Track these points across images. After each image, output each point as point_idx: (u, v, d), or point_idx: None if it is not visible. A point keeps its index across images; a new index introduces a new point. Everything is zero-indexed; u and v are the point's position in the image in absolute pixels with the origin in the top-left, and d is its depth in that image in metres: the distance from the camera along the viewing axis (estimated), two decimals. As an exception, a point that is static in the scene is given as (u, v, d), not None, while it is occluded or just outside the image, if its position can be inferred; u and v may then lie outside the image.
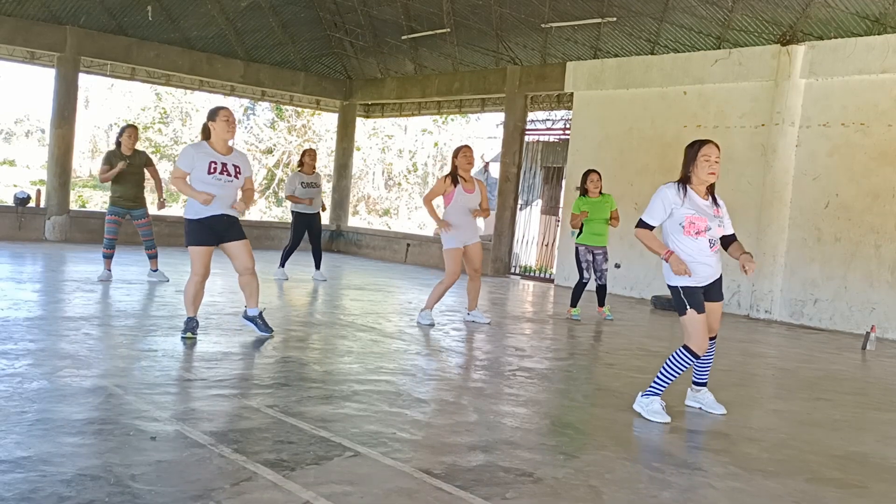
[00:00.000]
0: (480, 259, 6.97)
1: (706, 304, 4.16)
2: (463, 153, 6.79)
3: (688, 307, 4.09)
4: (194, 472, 2.80)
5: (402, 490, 2.80)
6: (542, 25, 11.68)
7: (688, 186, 4.15)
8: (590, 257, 8.01)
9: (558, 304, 9.46)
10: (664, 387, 4.15)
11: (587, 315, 8.28)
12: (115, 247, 8.06)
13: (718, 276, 4.21)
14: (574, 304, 8.12)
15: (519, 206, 13.35)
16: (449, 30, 12.91)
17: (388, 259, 14.46)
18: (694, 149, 4.16)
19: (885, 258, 8.68)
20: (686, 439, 3.85)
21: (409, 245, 14.49)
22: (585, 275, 8.02)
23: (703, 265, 4.12)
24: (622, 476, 3.20)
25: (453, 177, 6.77)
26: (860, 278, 8.85)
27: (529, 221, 14.98)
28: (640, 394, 4.23)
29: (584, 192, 8.02)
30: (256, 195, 24.93)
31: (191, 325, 5.30)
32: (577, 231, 8.02)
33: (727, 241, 4.30)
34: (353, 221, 19.25)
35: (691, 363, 4.13)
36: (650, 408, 4.12)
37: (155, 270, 8.24)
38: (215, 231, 5.28)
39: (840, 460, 3.70)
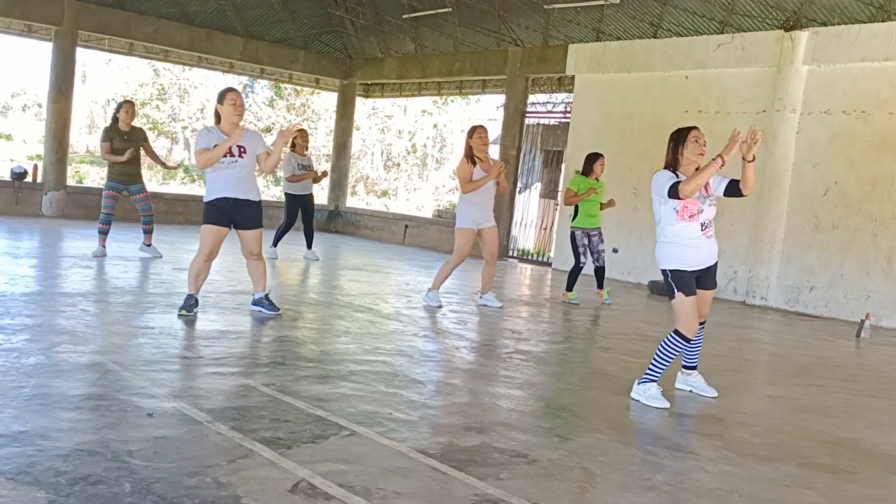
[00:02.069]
0: (497, 243, 6.91)
1: (698, 290, 4.17)
2: (478, 134, 6.68)
3: (676, 290, 4.11)
4: (191, 449, 2.82)
5: (398, 469, 2.82)
6: (545, 6, 11.60)
7: (677, 172, 4.15)
8: (586, 240, 8.02)
9: (555, 288, 9.49)
10: (659, 373, 4.18)
11: (584, 299, 8.30)
12: (112, 223, 8.06)
13: (713, 264, 4.21)
14: (570, 288, 8.13)
15: (518, 189, 13.33)
16: (450, 9, 12.81)
17: (387, 240, 14.46)
18: (683, 133, 4.19)
19: (881, 246, 8.70)
20: (679, 423, 3.88)
21: (407, 226, 14.49)
22: (583, 259, 8.02)
23: (694, 249, 4.11)
24: (615, 458, 3.23)
25: (471, 157, 6.67)
26: (856, 266, 8.87)
27: (528, 204, 14.98)
28: (637, 381, 4.26)
29: (585, 172, 8.01)
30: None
31: (189, 303, 5.31)
32: (573, 213, 8.02)
33: (735, 185, 4.15)
34: (351, 202, 19.21)
35: (682, 347, 4.16)
36: (648, 394, 4.15)
37: (148, 245, 8.24)
38: (226, 213, 5.30)
39: (831, 446, 3.74)
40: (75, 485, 2.41)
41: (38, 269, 6.95)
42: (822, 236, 9.16)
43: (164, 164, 8.90)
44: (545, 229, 15.14)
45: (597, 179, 7.98)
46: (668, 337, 4.17)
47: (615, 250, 10.86)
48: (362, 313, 6.23)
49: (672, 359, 4.17)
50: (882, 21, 8.70)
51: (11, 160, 22.07)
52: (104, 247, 7.97)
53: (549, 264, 12.43)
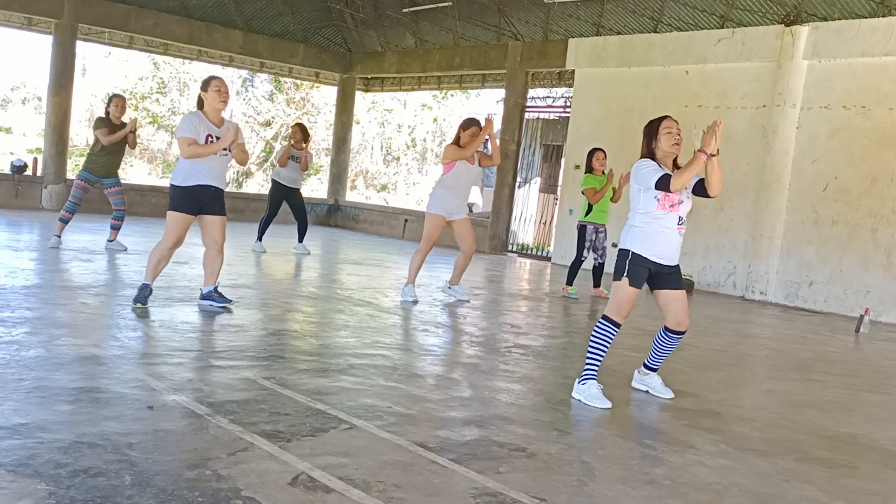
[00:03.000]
0: (471, 235, 6.81)
1: (664, 292, 4.03)
2: (471, 132, 6.67)
3: (625, 274, 3.95)
4: (191, 442, 2.83)
5: (397, 463, 2.83)
6: (545, 1, 11.57)
7: (657, 162, 4.02)
8: (594, 236, 8.03)
9: (555, 282, 9.50)
10: (596, 367, 3.99)
11: (583, 294, 8.31)
12: (76, 213, 7.93)
13: (674, 265, 4.03)
14: (570, 282, 8.14)
15: (517, 184, 13.32)
16: (450, 3, 12.78)
17: (386, 234, 14.46)
18: (654, 125, 4.03)
19: (881, 242, 8.71)
20: (678, 418, 3.89)
21: (406, 220, 14.48)
22: (585, 254, 8.03)
23: (664, 239, 3.96)
24: (614, 452, 3.23)
25: (458, 145, 6.65)
26: (856, 261, 8.88)
27: (528, 199, 14.98)
28: (577, 380, 4.06)
29: (589, 169, 8.01)
30: (254, 167, 24.84)
31: (144, 294, 5.20)
32: (587, 209, 8.00)
33: (702, 185, 3.98)
34: (350, 196, 19.22)
35: (613, 333, 3.96)
36: (588, 393, 3.93)
37: (111, 241, 8.06)
38: (199, 201, 5.23)
39: (830, 441, 3.74)
40: (75, 477, 2.42)
41: (38, 262, 6.95)
42: (822, 231, 9.16)
43: (132, 136, 7.94)
44: (544, 224, 15.14)
45: (603, 173, 7.98)
46: (598, 324, 3.97)
47: (614, 245, 10.86)
48: (362, 307, 6.23)
49: (606, 348, 3.97)
50: (882, 16, 8.69)
51: (11, 153, 22.06)
52: (59, 237, 7.76)
53: (549, 259, 12.43)
